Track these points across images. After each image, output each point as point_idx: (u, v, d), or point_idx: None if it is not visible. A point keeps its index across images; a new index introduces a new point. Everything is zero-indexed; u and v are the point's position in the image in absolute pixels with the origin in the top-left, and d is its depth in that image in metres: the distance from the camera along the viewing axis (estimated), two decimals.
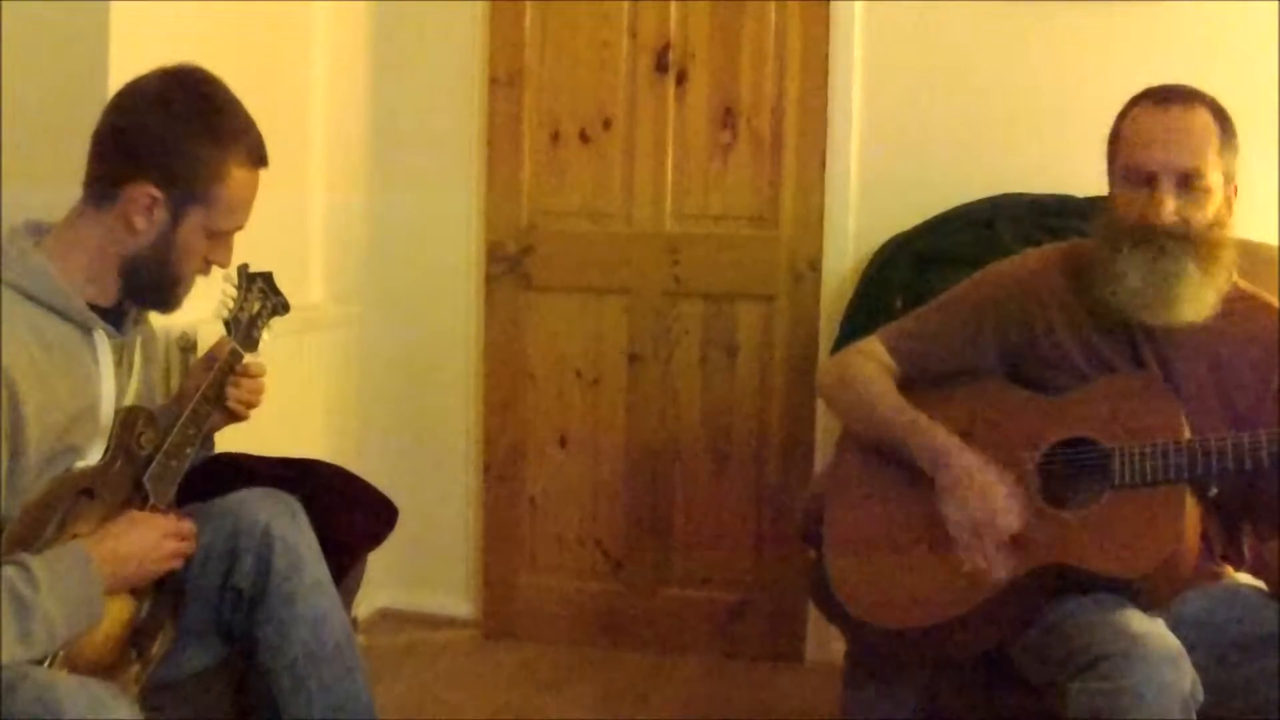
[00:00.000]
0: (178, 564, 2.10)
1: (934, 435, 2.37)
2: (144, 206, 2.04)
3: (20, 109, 2.80)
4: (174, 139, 2.04)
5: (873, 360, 2.53)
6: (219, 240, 2.13)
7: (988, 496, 2.28)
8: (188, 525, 2.12)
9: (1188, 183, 2.27)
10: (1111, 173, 2.38)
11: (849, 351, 2.59)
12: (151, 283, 2.10)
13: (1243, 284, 2.39)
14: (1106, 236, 2.34)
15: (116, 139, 2.06)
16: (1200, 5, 3.32)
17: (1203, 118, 2.29)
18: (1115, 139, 2.37)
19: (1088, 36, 3.40)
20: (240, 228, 2.15)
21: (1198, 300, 2.29)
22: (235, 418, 2.27)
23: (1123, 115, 2.37)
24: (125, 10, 2.84)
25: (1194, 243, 2.27)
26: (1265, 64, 3.23)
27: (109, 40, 2.80)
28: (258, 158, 2.13)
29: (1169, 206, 2.26)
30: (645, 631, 3.83)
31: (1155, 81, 2.39)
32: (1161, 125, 2.29)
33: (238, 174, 2.09)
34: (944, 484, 2.32)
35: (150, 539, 2.03)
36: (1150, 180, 2.28)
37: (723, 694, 3.54)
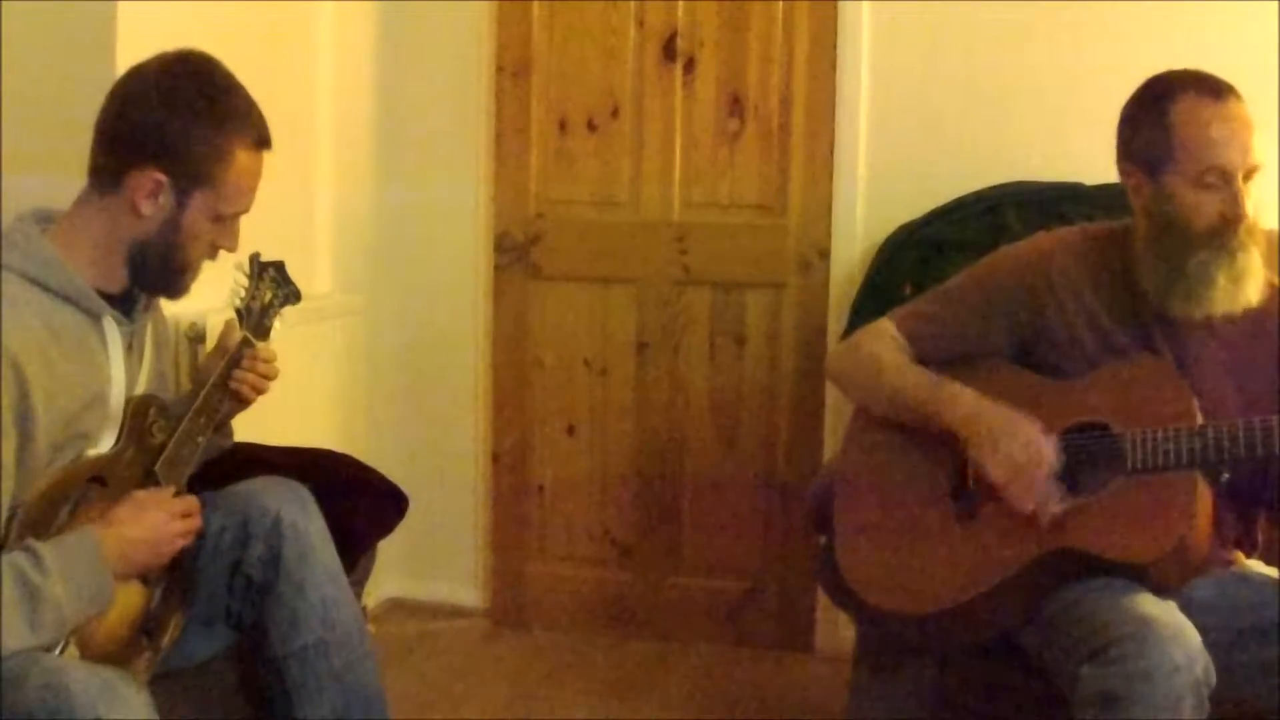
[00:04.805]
0: (187, 542, 2.10)
1: (959, 393, 2.37)
2: (149, 191, 2.03)
3: (29, 105, 2.81)
4: (176, 122, 2.03)
5: (885, 338, 2.53)
6: (225, 225, 2.11)
7: (1023, 437, 2.28)
8: (191, 501, 2.12)
9: (1249, 177, 2.27)
10: (1158, 166, 2.30)
11: (860, 332, 2.59)
12: (159, 268, 2.09)
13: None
14: (1167, 232, 2.30)
15: (119, 125, 2.05)
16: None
17: (1245, 108, 2.29)
18: (1164, 132, 2.29)
19: (1093, 26, 3.39)
20: (246, 211, 2.13)
21: (1256, 292, 2.29)
22: (241, 402, 2.26)
23: (1164, 107, 2.30)
24: (132, 7, 2.84)
25: (1258, 238, 2.28)
26: (1265, 56, 3.21)
27: (116, 36, 2.81)
28: (261, 140, 2.11)
29: (1249, 205, 2.26)
30: (654, 620, 3.83)
31: (1158, 70, 2.37)
32: (1229, 121, 2.26)
33: (241, 156, 2.07)
34: (978, 438, 2.32)
35: (157, 521, 2.04)
36: (1225, 178, 2.25)
37: (731, 683, 3.54)
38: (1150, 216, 2.33)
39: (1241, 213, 2.25)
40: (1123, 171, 2.39)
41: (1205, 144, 2.25)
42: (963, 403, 2.36)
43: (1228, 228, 2.26)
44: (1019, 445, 2.27)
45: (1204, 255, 2.27)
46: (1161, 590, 2.18)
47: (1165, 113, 2.29)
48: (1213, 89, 2.28)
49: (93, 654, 1.95)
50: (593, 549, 3.88)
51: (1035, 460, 2.27)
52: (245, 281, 2.27)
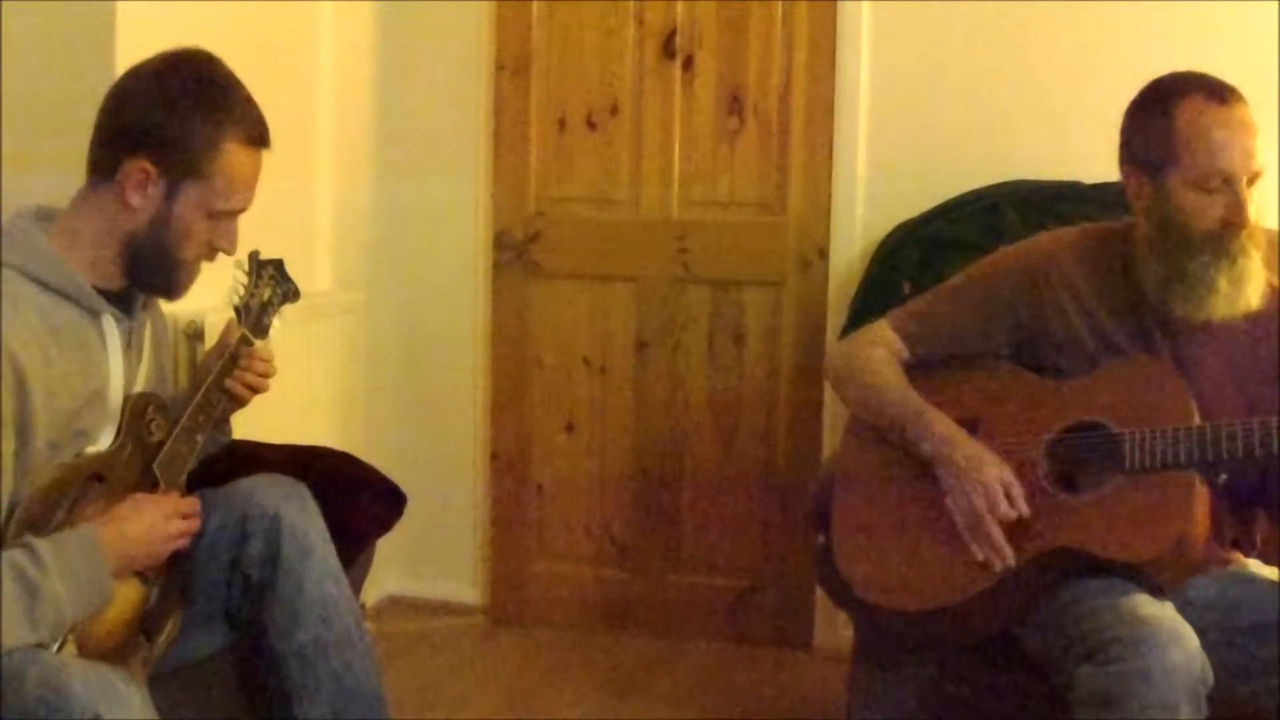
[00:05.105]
0: (184, 543, 2.10)
1: (937, 425, 2.38)
2: (138, 182, 2.02)
3: (29, 105, 2.81)
4: (167, 114, 2.02)
5: (880, 345, 2.53)
6: (221, 223, 2.10)
7: (988, 485, 2.28)
8: (191, 502, 2.12)
9: (1252, 182, 2.27)
10: (1161, 168, 2.29)
11: (857, 336, 2.59)
12: (152, 265, 2.08)
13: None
14: (1168, 235, 2.29)
15: (114, 118, 2.05)
16: None
17: (1250, 112, 2.28)
18: (1168, 134, 2.28)
19: (1093, 26, 3.39)
20: (242, 210, 2.12)
21: (1256, 295, 2.28)
22: (237, 402, 2.26)
23: (1168, 109, 2.29)
24: (132, 7, 2.84)
25: (1259, 241, 2.28)
26: (1266, 57, 3.21)
27: (116, 36, 2.81)
28: (257, 137, 2.10)
29: (1251, 210, 2.26)
30: (652, 618, 3.84)
31: (1157, 70, 2.37)
32: (1232, 126, 2.25)
33: (234, 151, 2.06)
34: (946, 474, 2.34)
35: (155, 520, 2.04)
36: (1228, 182, 2.25)
37: (730, 681, 3.54)
38: (1151, 219, 2.33)
39: (1244, 218, 2.25)
40: (1124, 173, 2.38)
41: (1208, 148, 2.25)
42: (937, 436, 2.37)
43: (1229, 232, 2.26)
44: (978, 492, 2.29)
45: (1205, 259, 2.26)
46: (1159, 590, 2.18)
47: (1169, 115, 2.29)
48: (1217, 92, 2.28)
49: (91, 652, 1.95)
50: (591, 547, 3.88)
51: (990, 509, 2.27)
52: (244, 279, 2.26)
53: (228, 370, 2.20)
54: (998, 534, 2.26)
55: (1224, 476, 2.27)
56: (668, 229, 3.75)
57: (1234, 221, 2.25)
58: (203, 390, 2.17)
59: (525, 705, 3.35)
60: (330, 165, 3.80)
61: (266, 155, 2.14)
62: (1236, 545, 2.39)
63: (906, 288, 3.27)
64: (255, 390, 2.24)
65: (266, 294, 2.28)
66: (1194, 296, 2.28)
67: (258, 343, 2.25)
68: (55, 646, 1.89)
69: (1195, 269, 2.27)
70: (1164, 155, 2.29)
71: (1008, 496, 2.28)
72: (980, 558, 2.28)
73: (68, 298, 2.02)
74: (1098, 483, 2.27)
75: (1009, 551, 2.26)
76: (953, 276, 2.60)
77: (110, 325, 2.08)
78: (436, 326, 3.95)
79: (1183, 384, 2.29)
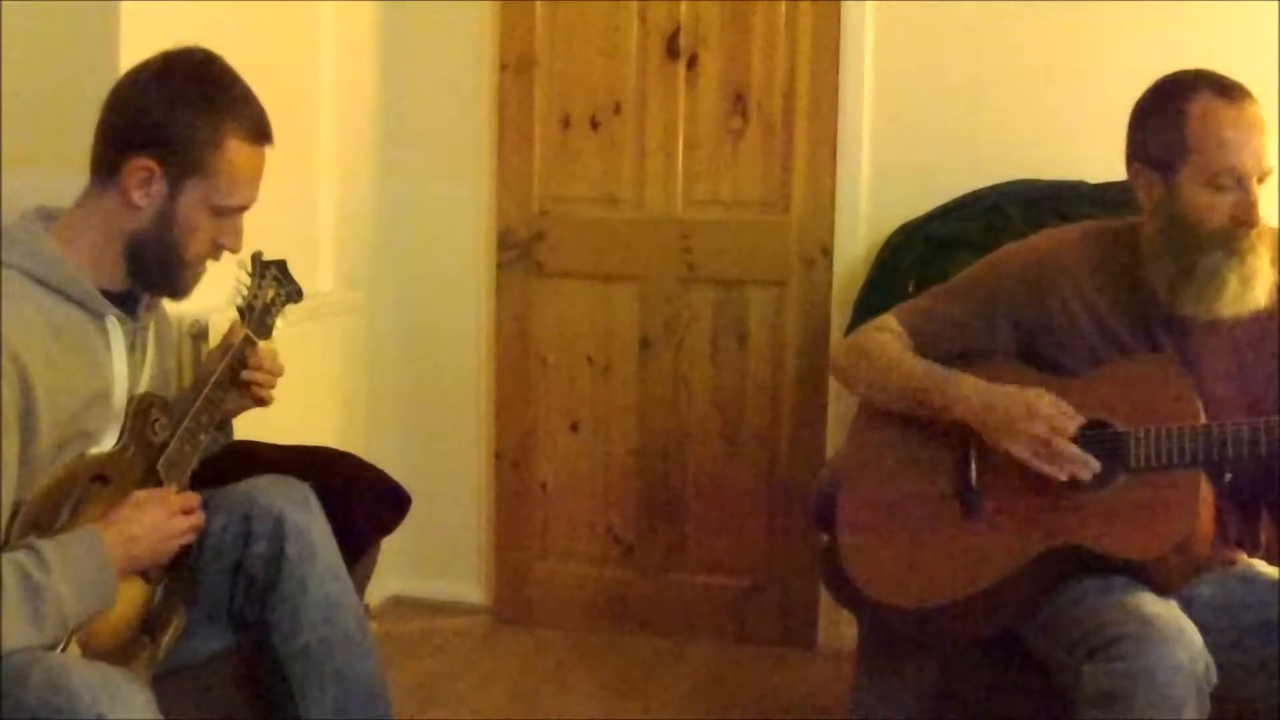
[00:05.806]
0: (188, 539, 2.11)
1: (968, 385, 2.36)
2: (141, 180, 2.02)
3: (32, 103, 2.81)
4: (168, 110, 2.02)
5: (889, 333, 2.52)
6: (224, 220, 2.09)
7: (1038, 411, 2.27)
8: (193, 498, 2.12)
9: (1262, 180, 2.26)
10: (1171, 166, 2.29)
11: (865, 328, 2.58)
12: (156, 264, 2.08)
13: None
14: (1177, 233, 2.29)
15: (115, 117, 2.05)
16: None
17: (1259, 110, 2.28)
18: (1179, 132, 2.27)
19: (1095, 25, 3.39)
20: (245, 207, 2.11)
21: (1265, 294, 2.28)
22: (257, 401, 2.26)
23: (1179, 107, 2.28)
24: (136, 5, 2.85)
25: (1268, 240, 2.28)
26: (1266, 56, 3.20)
27: (119, 34, 2.81)
28: (259, 133, 2.10)
29: (1260, 208, 2.25)
30: (656, 617, 3.84)
31: (1159, 70, 2.37)
32: (1244, 124, 2.25)
33: (236, 146, 2.05)
34: (994, 424, 2.32)
35: (158, 518, 2.04)
36: (1239, 180, 2.24)
37: (734, 680, 3.54)
38: (1161, 217, 2.33)
39: (1255, 216, 2.25)
40: (1133, 171, 2.37)
41: (1221, 146, 2.24)
42: (973, 393, 2.35)
43: (1240, 230, 2.25)
44: (1037, 421, 2.27)
45: (1215, 257, 2.26)
46: (1164, 589, 2.18)
47: (1180, 113, 2.28)
48: (1228, 90, 2.27)
49: (95, 652, 1.95)
50: (595, 546, 3.88)
51: (1056, 430, 2.26)
52: (247, 280, 2.27)
53: (231, 369, 2.20)
54: (1070, 449, 2.25)
55: (1229, 475, 2.27)
56: (671, 228, 3.75)
57: (1245, 220, 2.25)
58: (206, 390, 2.17)
59: (529, 704, 3.35)
60: (333, 165, 3.80)
61: (268, 155, 2.13)
62: (1240, 544, 2.39)
63: (910, 287, 3.26)
64: (268, 388, 2.25)
65: (270, 294, 2.28)
66: (1204, 295, 2.27)
67: (262, 345, 2.25)
68: (59, 647, 1.89)
69: (1205, 267, 2.26)
70: (1175, 153, 2.28)
71: (1060, 412, 2.28)
72: (1065, 476, 2.26)
73: (71, 299, 2.02)
74: (1103, 481, 2.27)
75: (1092, 459, 2.25)
76: (956, 275, 2.60)
77: (114, 326, 2.08)
78: (440, 326, 3.94)
79: (1188, 382, 2.29)
